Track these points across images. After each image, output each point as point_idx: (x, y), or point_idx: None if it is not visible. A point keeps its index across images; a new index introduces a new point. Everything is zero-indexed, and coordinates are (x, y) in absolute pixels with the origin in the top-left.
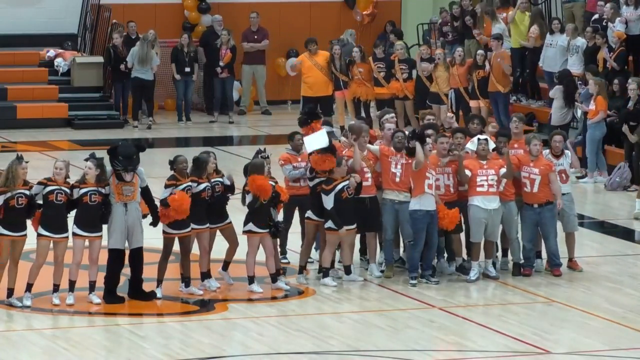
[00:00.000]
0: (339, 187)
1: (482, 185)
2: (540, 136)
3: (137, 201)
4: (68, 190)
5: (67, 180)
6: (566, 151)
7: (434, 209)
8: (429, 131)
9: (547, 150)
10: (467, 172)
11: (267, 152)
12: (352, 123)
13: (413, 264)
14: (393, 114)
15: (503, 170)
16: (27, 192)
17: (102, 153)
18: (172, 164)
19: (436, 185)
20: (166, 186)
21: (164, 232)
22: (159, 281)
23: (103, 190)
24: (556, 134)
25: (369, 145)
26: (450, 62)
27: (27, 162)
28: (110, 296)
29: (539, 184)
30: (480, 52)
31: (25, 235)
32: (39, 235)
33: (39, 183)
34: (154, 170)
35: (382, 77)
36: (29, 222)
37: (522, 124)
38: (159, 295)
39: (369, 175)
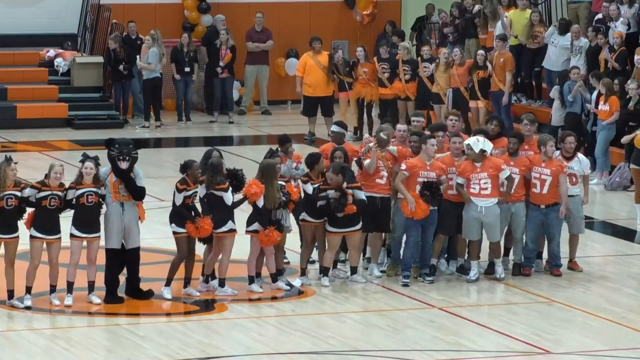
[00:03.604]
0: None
1: (473, 188)
2: (553, 137)
3: (134, 202)
4: (61, 194)
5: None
6: (579, 154)
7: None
8: (439, 133)
9: (558, 152)
10: (460, 180)
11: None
12: (382, 136)
13: (406, 263)
14: (420, 118)
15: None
16: (17, 194)
17: (101, 153)
18: (185, 168)
19: (450, 185)
20: (179, 190)
21: (174, 232)
22: (168, 280)
23: (99, 191)
24: (569, 135)
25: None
26: (451, 63)
27: (16, 163)
28: (111, 297)
29: (549, 185)
30: (480, 52)
31: (18, 236)
32: (31, 237)
33: (33, 187)
34: (161, 171)
35: (386, 77)
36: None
37: (534, 126)
38: (168, 296)
39: (385, 174)
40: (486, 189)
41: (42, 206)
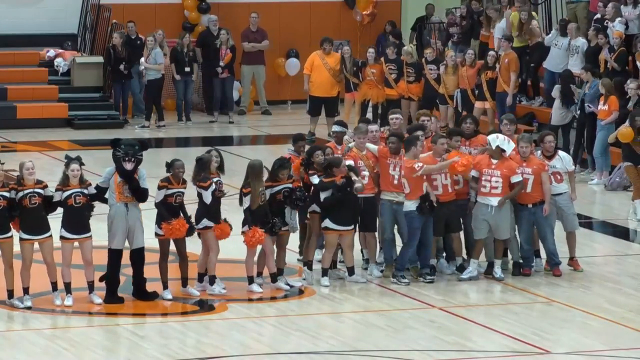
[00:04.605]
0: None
1: (484, 186)
2: (530, 137)
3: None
4: (41, 191)
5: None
6: (560, 152)
7: None
8: (419, 132)
9: (539, 152)
10: (474, 172)
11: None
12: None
13: (402, 263)
14: (398, 115)
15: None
16: (6, 194)
17: (101, 153)
18: (169, 166)
19: (433, 185)
20: (159, 187)
21: (156, 234)
22: (164, 283)
23: (86, 191)
24: (547, 135)
25: (368, 145)
26: (461, 63)
27: (3, 163)
28: (111, 296)
29: (533, 184)
30: (491, 52)
31: (11, 236)
32: (20, 239)
33: (12, 188)
34: (160, 171)
35: (393, 78)
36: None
37: (514, 126)
38: (169, 297)
39: (366, 174)
40: (497, 187)
41: (23, 206)
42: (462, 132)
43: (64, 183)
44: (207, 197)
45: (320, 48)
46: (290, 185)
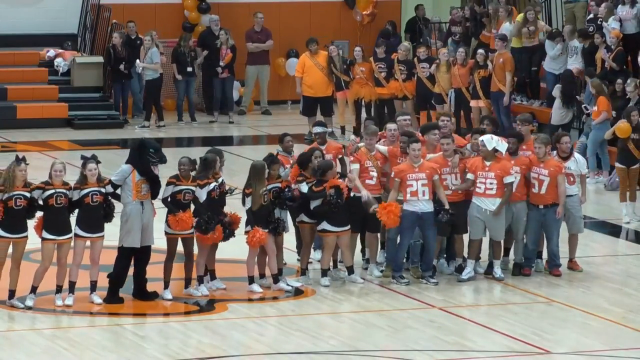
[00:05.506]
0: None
1: (479, 187)
2: (546, 137)
3: (150, 200)
4: (67, 192)
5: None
6: (575, 154)
7: (423, 211)
8: (435, 131)
9: (554, 152)
10: (470, 175)
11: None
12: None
13: (397, 264)
14: (407, 117)
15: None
16: (27, 194)
17: (101, 153)
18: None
19: (444, 185)
20: (167, 183)
21: (166, 232)
22: (166, 283)
23: (104, 190)
24: (564, 135)
25: (377, 146)
26: (453, 62)
27: (27, 164)
28: (111, 297)
29: (548, 186)
30: (480, 51)
31: (26, 236)
32: (43, 239)
33: (37, 187)
34: (161, 171)
35: (383, 77)
36: (30, 223)
37: (526, 126)
38: (169, 297)
39: (374, 174)
40: (491, 189)
41: (49, 206)
42: (483, 132)
43: (82, 182)
44: (201, 196)
45: (307, 49)
46: (279, 185)
